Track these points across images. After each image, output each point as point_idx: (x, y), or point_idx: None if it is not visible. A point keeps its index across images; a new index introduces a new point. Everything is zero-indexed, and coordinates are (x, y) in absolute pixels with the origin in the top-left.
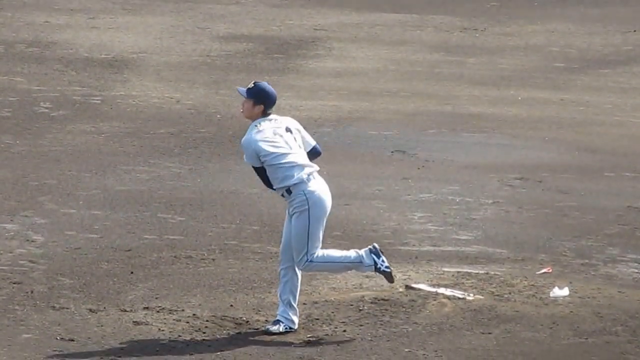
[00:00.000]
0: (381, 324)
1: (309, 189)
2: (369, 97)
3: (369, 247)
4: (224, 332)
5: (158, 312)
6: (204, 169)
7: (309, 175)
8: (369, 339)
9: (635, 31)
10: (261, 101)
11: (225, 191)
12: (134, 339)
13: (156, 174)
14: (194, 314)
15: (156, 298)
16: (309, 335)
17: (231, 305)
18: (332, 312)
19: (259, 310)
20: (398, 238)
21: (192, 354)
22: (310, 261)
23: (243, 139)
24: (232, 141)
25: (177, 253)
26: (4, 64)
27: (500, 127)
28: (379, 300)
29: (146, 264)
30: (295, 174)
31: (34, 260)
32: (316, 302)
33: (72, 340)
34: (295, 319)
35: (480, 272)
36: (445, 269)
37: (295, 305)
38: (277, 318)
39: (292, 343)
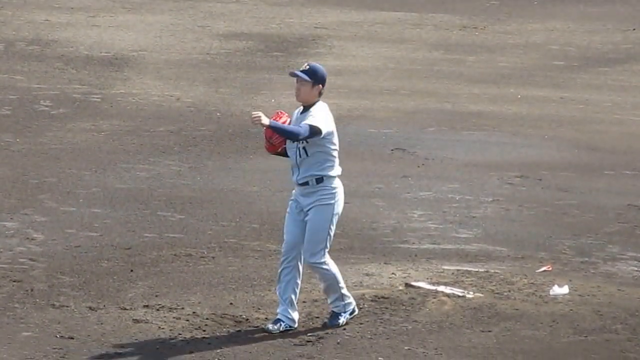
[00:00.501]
0: (381, 322)
1: (338, 184)
2: (368, 95)
3: (351, 310)
4: (224, 330)
5: (158, 310)
6: (204, 167)
7: (340, 173)
8: (369, 337)
9: (634, 29)
10: (320, 81)
11: (225, 189)
12: (134, 337)
13: (156, 172)
14: (193, 312)
15: (156, 296)
16: (308, 334)
17: (231, 303)
18: (330, 311)
19: (259, 308)
20: (398, 236)
21: (192, 352)
22: (324, 260)
23: (320, 115)
24: (231, 139)
25: (177, 251)
26: (5, 62)
27: (500, 125)
28: (378, 298)
29: (146, 262)
30: (335, 167)
31: (34, 258)
32: (316, 300)
33: (72, 338)
34: (296, 317)
35: (480, 270)
36: (445, 267)
37: (295, 304)
38: (278, 317)
39: (292, 341)
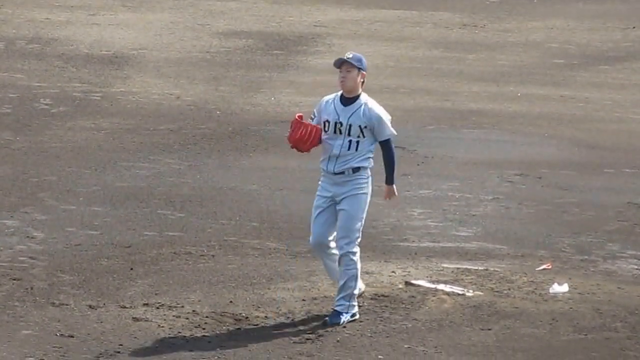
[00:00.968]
0: (381, 320)
1: (369, 175)
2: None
3: (352, 312)
4: (224, 328)
5: (158, 308)
6: (204, 165)
7: (373, 165)
8: (369, 335)
9: (634, 27)
10: (364, 69)
11: (224, 187)
12: (134, 335)
13: (156, 170)
14: (193, 310)
15: (156, 294)
16: (308, 331)
17: (231, 302)
18: (332, 308)
19: (259, 306)
20: (397, 234)
21: (191, 350)
22: (357, 251)
23: (377, 108)
24: (231, 137)
25: (176, 249)
26: (5, 61)
27: (500, 124)
28: (378, 296)
29: (146, 260)
30: (372, 158)
31: (34, 257)
32: (315, 299)
33: (72, 336)
34: (362, 286)
35: (480, 268)
36: (445, 265)
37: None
38: (335, 309)
39: (292, 339)
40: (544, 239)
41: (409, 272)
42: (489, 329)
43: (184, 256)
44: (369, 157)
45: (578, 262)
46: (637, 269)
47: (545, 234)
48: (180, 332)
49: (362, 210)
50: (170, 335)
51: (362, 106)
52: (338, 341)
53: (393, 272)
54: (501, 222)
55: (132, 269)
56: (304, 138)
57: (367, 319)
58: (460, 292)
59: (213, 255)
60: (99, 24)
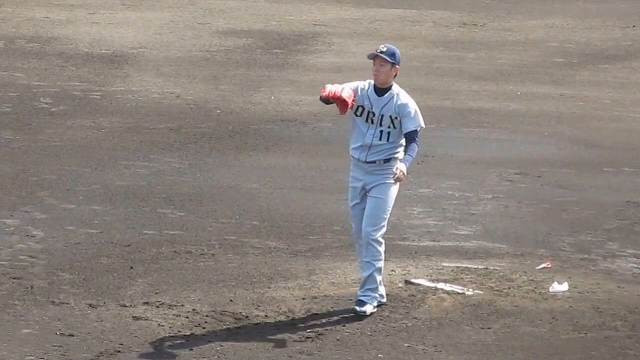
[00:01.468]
0: (380, 319)
1: None
2: None
3: (377, 302)
4: (224, 327)
5: (158, 307)
6: (204, 164)
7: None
8: (369, 333)
9: (634, 26)
10: (398, 62)
11: (224, 186)
12: (134, 334)
13: (156, 169)
14: (193, 309)
15: (156, 293)
16: (308, 330)
17: (231, 300)
18: (332, 307)
19: (259, 305)
20: (397, 233)
21: (191, 349)
22: (382, 240)
23: (408, 99)
24: (231, 136)
25: (176, 248)
26: (4, 60)
27: (500, 122)
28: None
29: (146, 259)
30: (402, 149)
31: (34, 256)
32: (315, 297)
33: (72, 335)
34: (384, 291)
35: (480, 267)
36: (445, 264)
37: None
38: (361, 298)
39: (292, 338)
40: (544, 238)
41: (409, 270)
42: (489, 328)
43: (184, 255)
44: (400, 149)
45: (578, 260)
46: (636, 267)
47: (545, 233)
48: (180, 331)
49: (391, 199)
50: (170, 334)
51: (394, 97)
52: (338, 340)
53: (393, 270)
54: (501, 220)
55: (132, 267)
56: (341, 98)
57: (367, 318)
58: (460, 291)
59: (213, 254)
60: (98, 22)
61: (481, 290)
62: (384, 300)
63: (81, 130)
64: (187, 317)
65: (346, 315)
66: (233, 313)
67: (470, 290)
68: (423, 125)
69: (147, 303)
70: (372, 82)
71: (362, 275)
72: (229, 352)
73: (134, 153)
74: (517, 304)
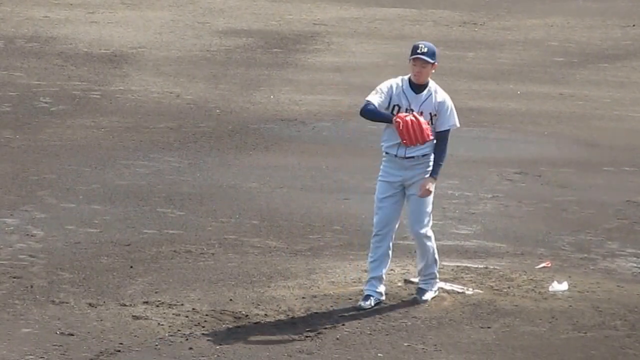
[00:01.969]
0: (380, 318)
1: None
2: (368, 91)
3: (436, 288)
4: (224, 326)
5: (157, 306)
6: (204, 163)
7: None
8: (368, 332)
9: (634, 25)
10: (437, 61)
11: (224, 186)
12: (134, 334)
13: (156, 168)
14: (193, 308)
15: (156, 292)
16: (308, 329)
17: (230, 300)
18: (332, 306)
19: (258, 304)
20: (397, 232)
21: (191, 348)
22: (431, 234)
23: (446, 97)
24: (231, 136)
25: (176, 247)
26: (4, 59)
27: (500, 122)
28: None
29: (146, 258)
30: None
31: (34, 255)
32: (315, 296)
33: (72, 334)
34: (383, 291)
35: (480, 266)
36: (445, 263)
37: (384, 279)
38: (367, 293)
39: (292, 337)
40: (544, 237)
41: (408, 270)
42: (489, 327)
43: (183, 254)
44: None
45: (577, 260)
46: (636, 267)
47: (545, 232)
48: (180, 330)
49: (432, 193)
50: (170, 334)
51: (432, 94)
52: (338, 339)
53: (392, 270)
54: (501, 220)
55: (131, 267)
56: (417, 136)
57: (367, 317)
58: (460, 290)
59: (213, 254)
60: (98, 22)
61: (481, 290)
62: (383, 298)
63: (81, 129)
64: (187, 317)
65: (346, 314)
66: (233, 312)
67: (470, 289)
68: (457, 124)
69: (147, 302)
70: (407, 78)
71: (366, 269)
72: (228, 351)
73: (134, 152)
74: (517, 304)
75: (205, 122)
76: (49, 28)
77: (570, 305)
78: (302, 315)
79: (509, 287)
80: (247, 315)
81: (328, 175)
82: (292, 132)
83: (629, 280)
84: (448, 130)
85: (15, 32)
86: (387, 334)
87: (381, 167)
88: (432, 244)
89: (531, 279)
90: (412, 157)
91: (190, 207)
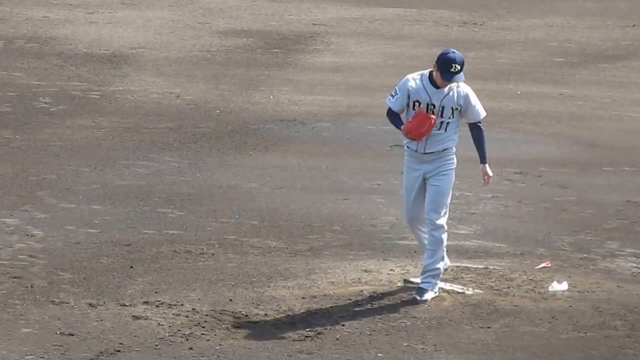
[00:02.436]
0: (380, 318)
1: (454, 152)
2: (368, 91)
3: (437, 290)
4: (223, 326)
5: (157, 306)
6: (203, 163)
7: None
8: (368, 333)
9: (634, 26)
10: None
11: (224, 186)
12: (134, 334)
13: (155, 168)
14: (193, 309)
15: (155, 292)
16: (307, 329)
17: (230, 300)
18: (331, 306)
19: (258, 304)
20: (396, 233)
21: (191, 349)
22: (445, 226)
23: (468, 90)
24: (231, 136)
25: (176, 247)
26: (4, 59)
27: (500, 122)
28: (377, 294)
29: (145, 258)
30: (457, 137)
31: (34, 255)
32: (315, 297)
33: (72, 334)
34: (448, 262)
35: (479, 266)
36: None
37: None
38: (421, 286)
39: (291, 337)
40: (544, 237)
41: (408, 270)
42: (489, 327)
43: (183, 254)
44: (455, 137)
45: (577, 260)
46: (636, 267)
47: (545, 232)
48: (179, 330)
49: (451, 185)
50: (170, 334)
51: (454, 88)
52: (337, 339)
53: (392, 270)
54: (500, 220)
55: (131, 267)
56: (426, 132)
57: (366, 317)
58: (460, 291)
59: (213, 254)
60: (97, 22)
61: (481, 290)
62: (448, 263)
63: (81, 130)
64: (187, 317)
65: (345, 315)
66: (233, 312)
67: (470, 289)
68: (484, 113)
69: (146, 302)
70: (427, 73)
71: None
72: (228, 352)
73: (134, 153)
74: (516, 304)
75: (205, 122)
76: (49, 28)
77: (570, 306)
78: (302, 315)
79: (508, 287)
80: (247, 316)
81: (328, 176)
82: (292, 132)
83: (628, 280)
84: (480, 122)
85: (15, 33)
86: (386, 334)
87: (404, 160)
88: (444, 237)
89: (531, 279)
90: (432, 152)
91: (190, 207)
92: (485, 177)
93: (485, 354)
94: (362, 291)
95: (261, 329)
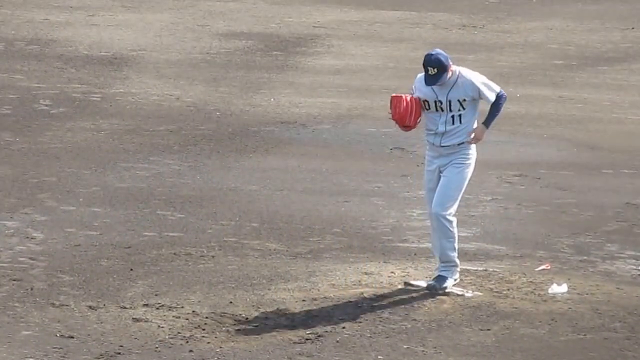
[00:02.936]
0: (380, 321)
1: (474, 148)
2: (368, 94)
3: (456, 277)
4: (224, 328)
5: (158, 309)
6: (204, 166)
7: None
8: (368, 335)
9: (633, 28)
10: (449, 63)
11: (224, 188)
12: (134, 336)
13: (156, 171)
14: (193, 311)
15: (156, 295)
16: (308, 332)
17: (231, 302)
18: (332, 309)
19: (259, 307)
20: (397, 235)
21: (191, 351)
22: (452, 218)
23: (471, 76)
24: (231, 138)
25: (176, 250)
26: (4, 62)
27: (499, 124)
28: (378, 296)
29: (146, 261)
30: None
31: (34, 258)
32: (315, 299)
33: (72, 337)
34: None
35: (479, 268)
36: None
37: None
38: (441, 274)
39: (292, 339)
40: (543, 240)
41: (409, 272)
42: (488, 330)
43: (183, 257)
44: (472, 126)
45: (577, 262)
46: (635, 269)
47: (544, 235)
48: (180, 333)
49: (463, 179)
50: (170, 336)
51: (457, 79)
52: (338, 341)
53: (392, 272)
54: (500, 222)
55: (132, 269)
56: (407, 111)
57: (367, 319)
58: (460, 293)
59: (213, 256)
60: (98, 24)
61: (481, 292)
62: (458, 273)
63: (81, 132)
64: (187, 319)
65: (346, 317)
66: (233, 315)
67: (470, 292)
68: (497, 89)
69: (147, 305)
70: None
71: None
72: (228, 354)
73: (134, 155)
74: (516, 306)
75: (205, 124)
76: (49, 31)
77: (570, 308)
78: (302, 317)
79: (508, 290)
80: (247, 318)
81: (328, 178)
82: (292, 134)
83: (628, 282)
84: (496, 99)
85: (15, 35)
86: (387, 337)
87: (425, 155)
88: (452, 229)
89: (531, 282)
90: (449, 145)
91: (190, 209)
92: (473, 136)
93: (485, 356)
94: (362, 293)
95: (261, 332)
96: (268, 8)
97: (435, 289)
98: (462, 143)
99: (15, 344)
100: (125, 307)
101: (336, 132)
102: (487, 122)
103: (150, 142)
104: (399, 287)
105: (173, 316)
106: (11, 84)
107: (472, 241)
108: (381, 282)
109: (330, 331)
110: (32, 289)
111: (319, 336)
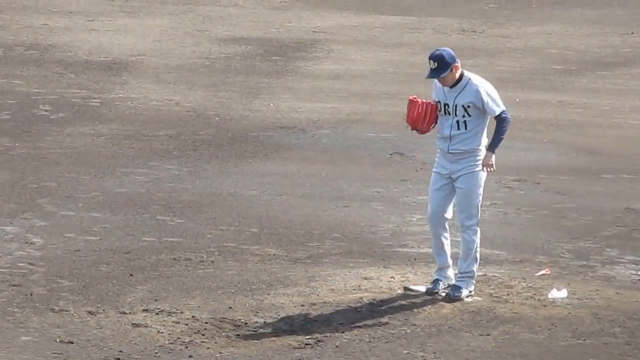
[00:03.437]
0: (379, 326)
1: (484, 151)
2: (367, 99)
3: (472, 288)
4: (223, 334)
5: (157, 314)
6: (203, 171)
7: (487, 142)
8: (368, 340)
9: (633, 33)
10: (453, 61)
11: (224, 193)
12: (133, 341)
13: (155, 176)
14: (193, 316)
15: (155, 300)
16: (307, 337)
17: (230, 307)
18: (331, 314)
19: (258, 312)
20: (397, 240)
21: (191, 356)
22: (477, 228)
23: (479, 86)
24: (230, 143)
25: (176, 255)
26: (3, 67)
27: None
28: (377, 301)
29: (145, 266)
30: (485, 137)
31: (33, 263)
32: (315, 304)
33: (72, 342)
34: (452, 275)
35: (479, 273)
36: None
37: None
38: (436, 277)
39: (291, 344)
40: (543, 245)
41: (408, 277)
42: (488, 335)
43: (183, 262)
44: (481, 138)
45: (577, 267)
46: (635, 274)
47: (544, 240)
48: (179, 338)
49: (479, 186)
50: (169, 341)
51: (467, 85)
52: (337, 346)
53: (392, 277)
54: (500, 227)
55: (131, 274)
56: (420, 116)
57: (366, 325)
58: (418, 289)
59: (212, 261)
60: (97, 30)
61: (480, 297)
62: (452, 282)
63: (80, 137)
64: (187, 324)
65: (345, 322)
66: (232, 320)
67: (469, 297)
68: (502, 106)
69: (146, 310)
70: None
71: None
72: (228, 359)
73: (133, 160)
74: (516, 311)
75: (204, 129)
76: (49, 36)
77: (570, 313)
78: (302, 322)
79: (508, 295)
80: (246, 323)
81: (327, 183)
82: (292, 139)
83: (628, 287)
84: (499, 115)
85: (15, 40)
86: (386, 342)
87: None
88: (475, 239)
89: (530, 286)
90: (456, 152)
91: (189, 214)
92: (485, 166)
93: None
94: (362, 298)
95: (261, 337)
96: (267, 13)
97: (449, 298)
98: (471, 150)
99: (14, 350)
100: (124, 313)
101: (336, 137)
102: (491, 147)
103: (150, 147)
104: (399, 292)
105: (172, 321)
106: (10, 89)
107: None
108: (381, 287)
109: (330, 336)
110: (31, 295)
111: (318, 341)
